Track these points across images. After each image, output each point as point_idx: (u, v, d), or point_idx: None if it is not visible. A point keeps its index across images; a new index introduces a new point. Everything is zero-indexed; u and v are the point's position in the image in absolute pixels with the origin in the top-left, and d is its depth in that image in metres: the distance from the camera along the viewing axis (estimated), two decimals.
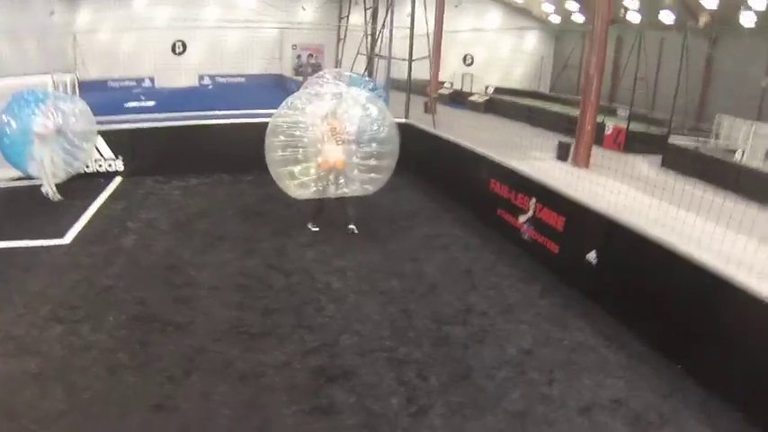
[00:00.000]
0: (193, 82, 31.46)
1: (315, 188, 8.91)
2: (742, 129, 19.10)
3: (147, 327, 6.15)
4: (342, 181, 8.91)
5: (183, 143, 12.25)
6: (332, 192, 8.96)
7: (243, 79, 32.14)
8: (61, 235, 8.78)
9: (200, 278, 7.47)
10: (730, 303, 5.51)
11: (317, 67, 33.21)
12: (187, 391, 5.02)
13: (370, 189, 9.18)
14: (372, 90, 11.17)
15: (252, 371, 5.40)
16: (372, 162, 9.00)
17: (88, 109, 11.19)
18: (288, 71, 33.23)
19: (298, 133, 8.74)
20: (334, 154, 8.74)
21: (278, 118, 8.82)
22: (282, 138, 8.70)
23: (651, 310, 6.40)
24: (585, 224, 7.60)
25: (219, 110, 15.85)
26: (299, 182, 8.91)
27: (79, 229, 9.17)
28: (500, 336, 6.34)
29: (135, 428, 4.53)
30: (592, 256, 7.27)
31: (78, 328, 6.05)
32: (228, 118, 13.75)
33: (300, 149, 8.75)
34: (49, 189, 10.39)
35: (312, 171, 8.85)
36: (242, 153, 10.72)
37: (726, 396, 5.36)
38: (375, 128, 8.97)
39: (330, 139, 8.71)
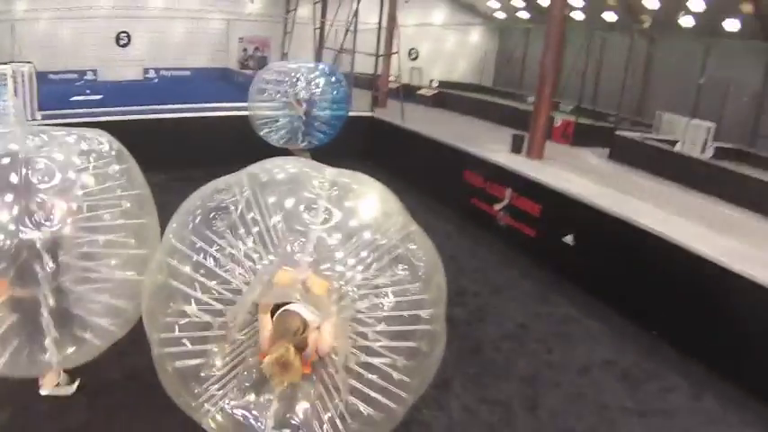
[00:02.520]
0: (138, 75, 30.66)
1: None
2: (680, 123, 20.66)
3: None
4: None
5: (151, 137, 11.93)
6: None
7: (188, 72, 31.57)
8: None
9: None
10: (691, 270, 6.45)
11: (262, 61, 33.07)
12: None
13: None
14: (338, 83, 10.95)
15: None
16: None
17: None
18: (234, 64, 32.92)
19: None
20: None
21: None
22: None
23: (626, 284, 7.22)
24: (563, 210, 8.35)
25: (167, 104, 15.52)
26: None
27: None
28: (496, 313, 7.01)
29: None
30: (569, 238, 8.01)
31: None
32: (187, 111, 13.56)
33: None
34: None
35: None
36: (219, 146, 10.90)
37: (695, 353, 6.34)
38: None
39: None
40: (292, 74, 10.24)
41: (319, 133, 10.41)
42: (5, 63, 14.10)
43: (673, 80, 29.47)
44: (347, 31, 16.91)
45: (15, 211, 3.64)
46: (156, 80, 30.56)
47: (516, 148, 14.50)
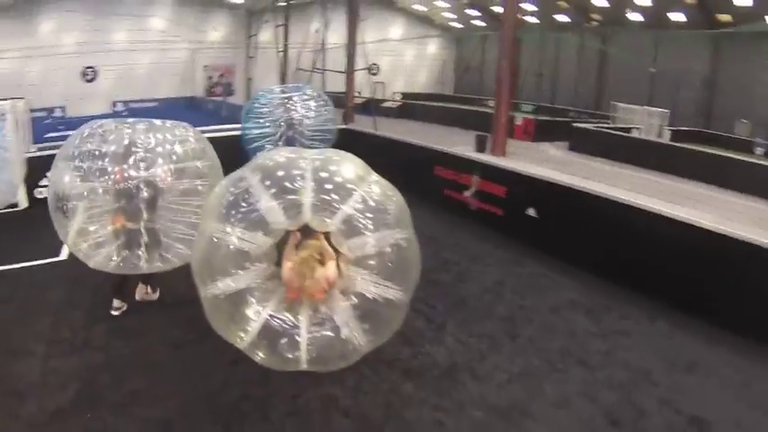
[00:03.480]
0: (106, 109, 31.34)
1: None
2: (635, 112, 22.34)
3: (190, 308, 7.04)
4: None
5: None
6: None
7: (156, 103, 32.34)
8: (56, 254, 8.80)
9: None
10: (636, 223, 7.77)
11: (228, 87, 34.09)
12: None
13: None
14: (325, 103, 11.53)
15: None
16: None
17: None
18: (200, 92, 33.79)
19: None
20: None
21: None
22: None
23: (585, 244, 8.48)
24: (525, 189, 9.60)
25: None
26: None
27: None
28: (475, 275, 8.19)
29: (217, 380, 5.60)
30: (531, 211, 9.25)
31: (124, 322, 6.61)
32: None
33: None
34: None
35: None
36: None
37: (648, 291, 7.72)
38: None
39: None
40: (285, 99, 10.98)
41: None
42: (4, 99, 14.80)
43: (626, 73, 31.49)
44: (315, 51, 17.97)
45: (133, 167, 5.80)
46: (126, 113, 31.30)
47: (480, 147, 15.73)
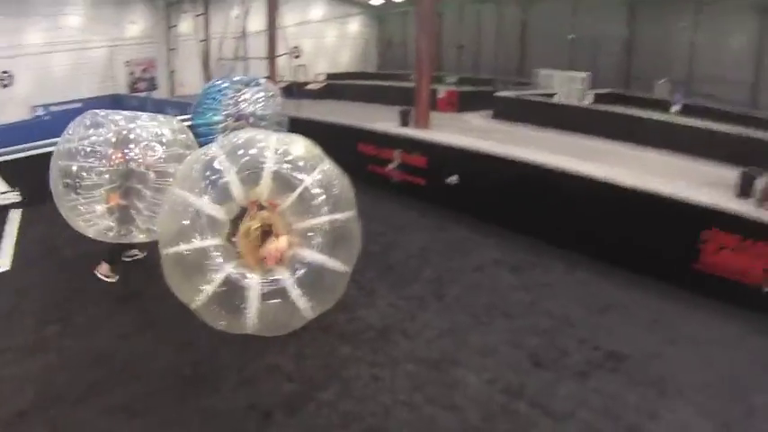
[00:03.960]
0: (26, 114, 30.14)
1: None
2: (556, 77, 23.28)
3: (132, 303, 7.27)
4: None
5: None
6: None
7: (80, 104, 31.19)
8: None
9: (152, 259, 8.85)
10: (553, 182, 8.62)
11: (151, 82, 33.41)
12: (196, 327, 6.60)
13: None
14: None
15: None
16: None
17: None
18: (124, 89, 32.98)
19: None
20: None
21: None
22: None
23: (505, 206, 9.26)
24: (446, 158, 10.28)
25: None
26: None
27: (11, 254, 9.18)
28: (402, 244, 8.88)
29: (168, 362, 6.02)
30: (453, 179, 9.94)
31: (74, 320, 6.84)
32: None
33: None
34: None
35: None
36: None
37: (566, 244, 8.66)
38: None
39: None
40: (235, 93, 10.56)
41: None
42: None
43: (546, 40, 32.63)
44: (237, 39, 18.00)
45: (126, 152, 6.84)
46: (48, 117, 30.16)
47: (404, 121, 16.26)
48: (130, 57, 32.74)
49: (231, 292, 5.00)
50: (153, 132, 7.11)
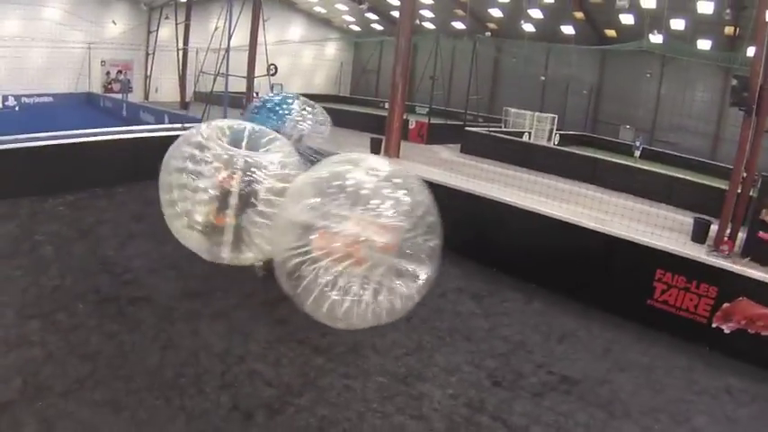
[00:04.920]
0: None
1: None
2: (526, 117, 24.25)
3: (117, 304, 7.70)
4: None
5: (51, 162, 12.84)
6: None
7: (51, 99, 30.99)
8: None
9: (135, 264, 9.18)
10: (512, 217, 9.39)
11: (126, 84, 33.33)
12: (179, 331, 7.13)
13: None
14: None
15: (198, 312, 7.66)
16: None
17: None
18: (97, 88, 32.82)
19: None
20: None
21: None
22: None
23: (469, 238, 9.91)
24: None
25: (30, 132, 14.32)
26: None
27: None
28: None
29: (152, 363, 6.39)
30: None
31: (56, 317, 7.13)
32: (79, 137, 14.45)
33: None
34: None
35: None
36: (113, 167, 12.66)
37: (524, 277, 9.51)
38: None
39: None
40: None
41: None
42: None
43: (519, 80, 34.03)
44: (216, 51, 18.20)
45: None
46: (17, 107, 29.64)
47: (375, 149, 16.74)
48: (108, 57, 32.63)
49: None
50: (264, 156, 7.13)
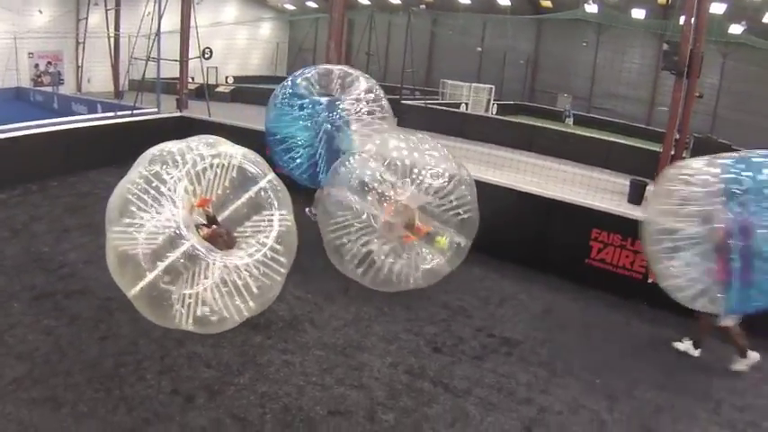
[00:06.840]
0: None
1: None
2: (464, 88, 24.56)
3: (53, 299, 7.59)
4: None
5: None
6: None
7: None
8: None
9: (71, 258, 9.01)
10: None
11: (57, 76, 32.18)
12: (118, 321, 7.11)
13: None
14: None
15: None
16: None
17: None
18: (27, 82, 31.61)
19: None
20: None
21: None
22: None
23: None
24: None
25: None
26: None
27: None
28: (309, 247, 9.41)
29: (91, 355, 6.36)
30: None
31: None
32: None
33: None
34: None
35: None
36: (46, 161, 12.41)
37: (519, 260, 9.84)
38: None
39: None
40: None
41: None
42: None
43: (456, 52, 34.32)
44: (148, 38, 17.83)
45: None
46: None
47: None
48: (35, 48, 31.38)
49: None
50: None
